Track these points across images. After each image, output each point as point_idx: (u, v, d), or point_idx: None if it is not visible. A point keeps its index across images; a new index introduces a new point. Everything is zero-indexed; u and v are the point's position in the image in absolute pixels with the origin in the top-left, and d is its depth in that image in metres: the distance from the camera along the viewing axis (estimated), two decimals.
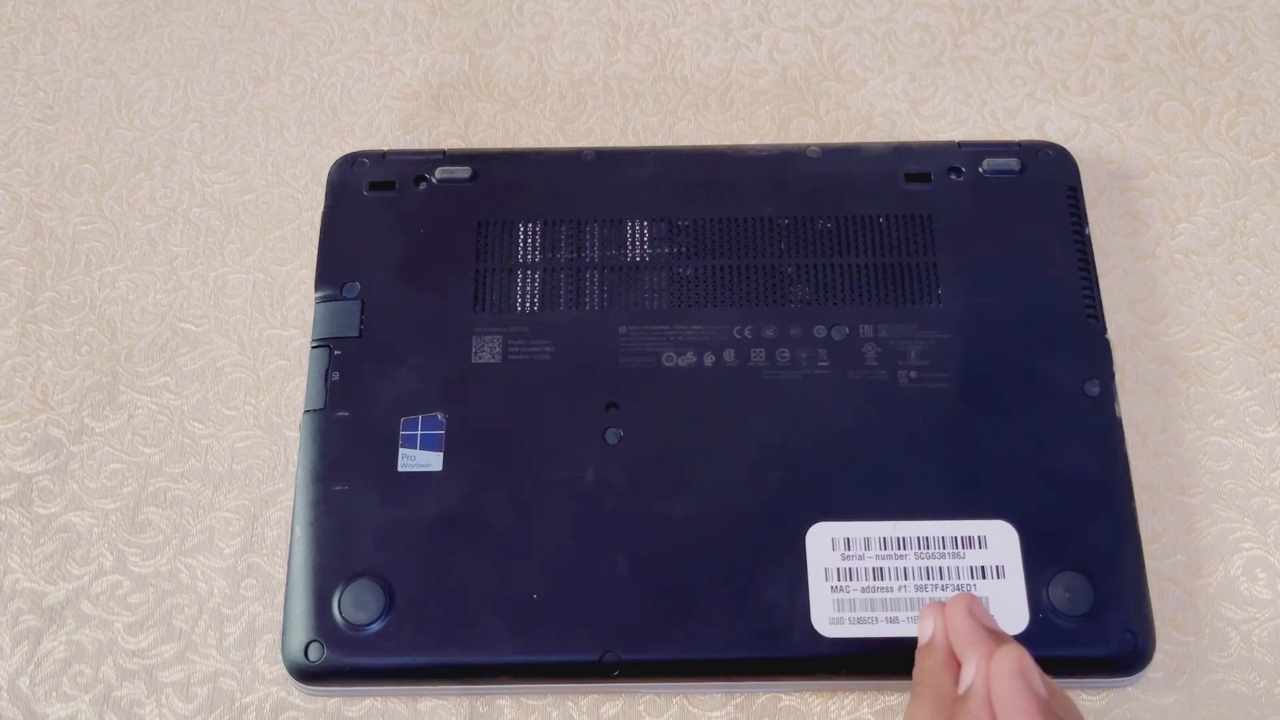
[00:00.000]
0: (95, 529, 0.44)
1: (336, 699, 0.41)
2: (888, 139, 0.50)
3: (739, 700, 0.41)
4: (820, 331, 0.43)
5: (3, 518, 0.44)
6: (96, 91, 0.52)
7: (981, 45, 0.52)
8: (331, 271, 0.44)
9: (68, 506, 0.44)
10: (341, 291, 0.44)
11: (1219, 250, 0.47)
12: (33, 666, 0.42)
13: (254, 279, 0.48)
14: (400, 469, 0.41)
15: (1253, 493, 0.43)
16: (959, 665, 0.33)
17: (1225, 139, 0.49)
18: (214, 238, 0.49)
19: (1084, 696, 0.40)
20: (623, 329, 0.43)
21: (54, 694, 0.42)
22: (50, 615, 0.43)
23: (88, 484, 0.45)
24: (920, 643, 0.35)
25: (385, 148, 0.50)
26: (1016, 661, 0.31)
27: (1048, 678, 0.32)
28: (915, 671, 0.34)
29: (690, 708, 0.41)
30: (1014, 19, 0.52)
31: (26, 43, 0.54)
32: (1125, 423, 0.44)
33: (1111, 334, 0.45)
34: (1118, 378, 0.45)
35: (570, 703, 0.41)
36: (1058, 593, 0.39)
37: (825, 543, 0.40)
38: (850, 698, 0.40)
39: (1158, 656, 0.40)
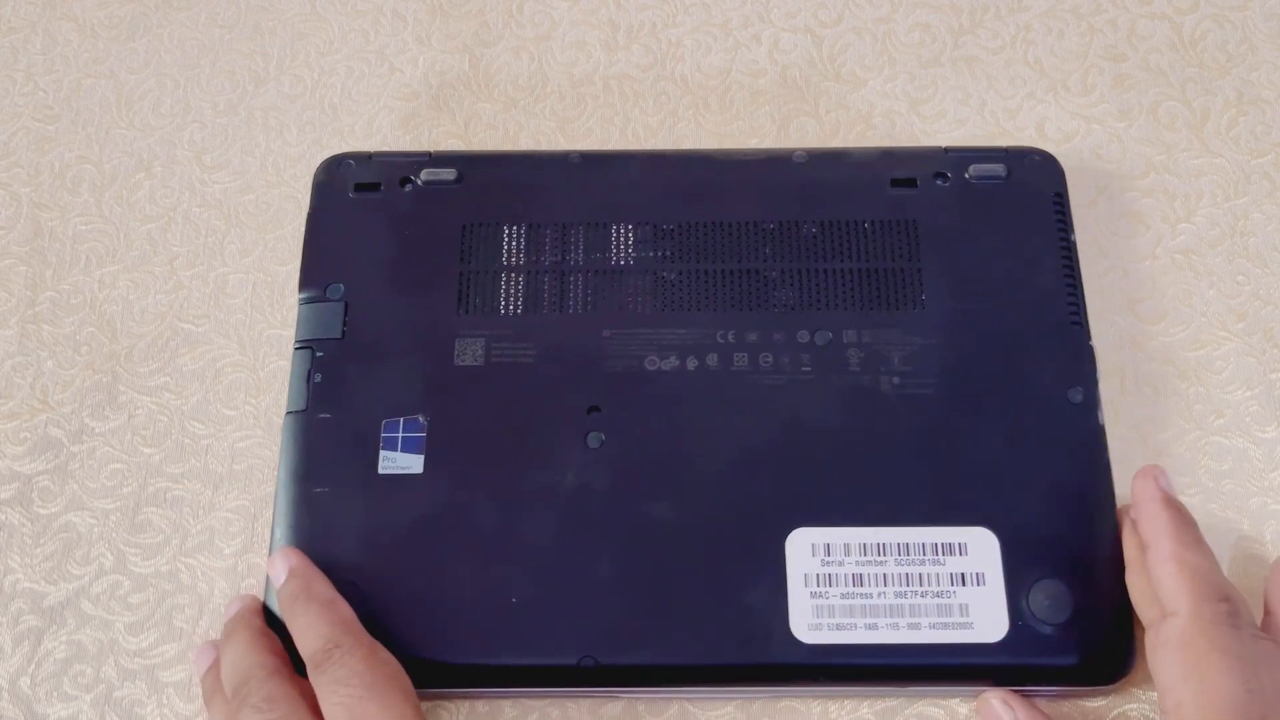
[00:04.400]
0: (95, 529, 0.44)
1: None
2: (888, 139, 0.50)
3: (738, 701, 0.41)
4: (804, 336, 0.42)
5: (3, 518, 0.44)
6: (96, 91, 0.52)
7: (981, 45, 0.52)
8: (315, 273, 0.44)
9: (68, 506, 0.44)
10: (325, 293, 0.44)
11: (1219, 250, 0.47)
12: (33, 666, 0.42)
13: (254, 279, 0.48)
14: (381, 471, 0.41)
15: (1252, 493, 0.43)
16: None
17: (1225, 139, 0.49)
18: (214, 238, 0.49)
19: (1082, 699, 0.40)
20: (606, 332, 0.43)
21: (55, 694, 0.42)
22: (50, 615, 0.43)
23: (88, 484, 0.45)
24: None
25: (385, 147, 0.50)
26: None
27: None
28: None
29: (690, 708, 0.41)
30: (1014, 19, 0.52)
31: (26, 43, 0.54)
32: (1125, 423, 0.44)
33: (1112, 334, 0.46)
34: (1118, 378, 0.45)
35: (571, 704, 0.41)
36: (1038, 600, 0.38)
37: (805, 548, 0.39)
38: (850, 700, 0.40)
39: None
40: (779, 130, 0.50)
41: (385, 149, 0.50)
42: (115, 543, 0.44)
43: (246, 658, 0.38)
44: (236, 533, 0.44)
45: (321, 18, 0.54)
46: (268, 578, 0.40)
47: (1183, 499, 0.43)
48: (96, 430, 0.46)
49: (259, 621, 0.39)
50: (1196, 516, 0.43)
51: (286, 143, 0.51)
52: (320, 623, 0.37)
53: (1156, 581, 0.36)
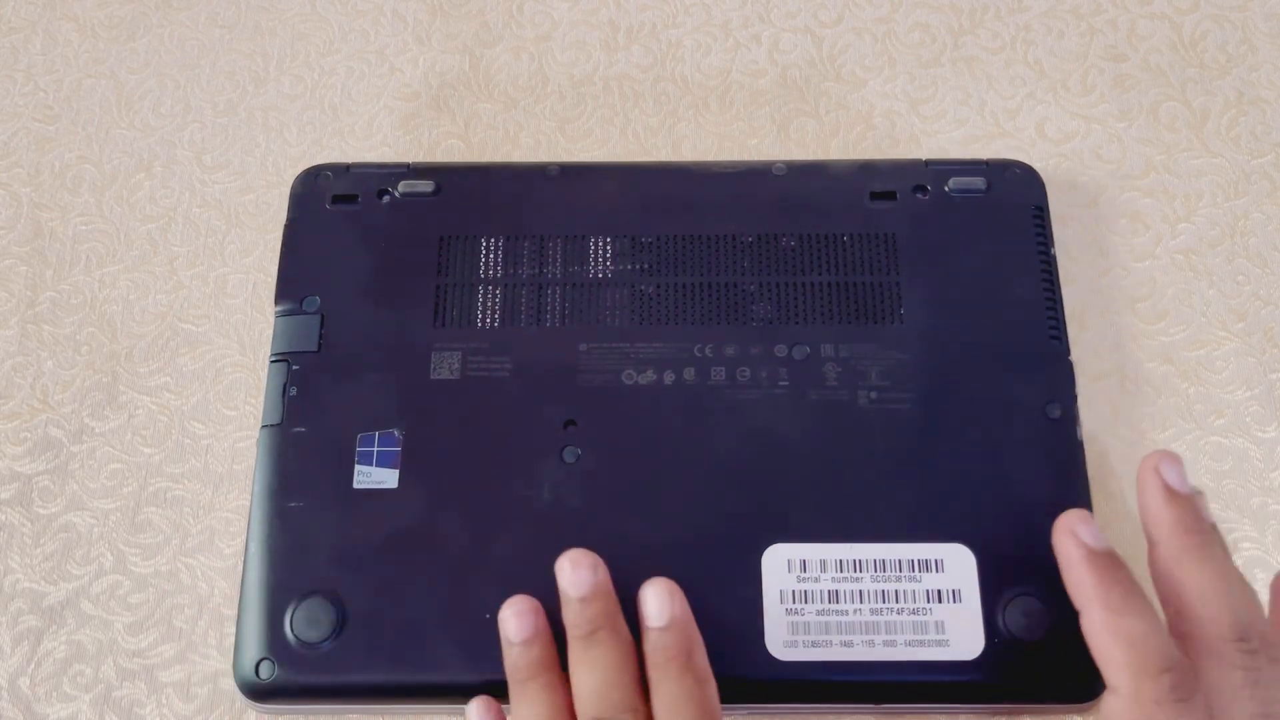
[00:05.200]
0: (95, 529, 0.44)
1: (287, 718, 0.41)
2: (888, 139, 0.50)
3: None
4: (781, 350, 0.42)
5: (3, 518, 0.44)
6: (96, 91, 0.52)
7: (981, 45, 0.52)
8: (292, 285, 0.44)
9: (68, 506, 0.44)
10: (301, 305, 0.44)
11: (1219, 250, 0.47)
12: (33, 666, 0.42)
13: (254, 279, 0.48)
14: (356, 486, 0.41)
15: (1252, 493, 0.43)
16: None
17: (1225, 139, 0.49)
18: (214, 238, 0.49)
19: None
20: (583, 346, 0.43)
21: (54, 694, 0.42)
22: (50, 615, 0.43)
23: (88, 484, 0.45)
24: None
25: (385, 147, 0.50)
26: None
27: None
28: None
29: None
30: (1014, 19, 0.52)
31: (26, 43, 0.54)
32: (1125, 423, 0.44)
33: (1111, 334, 0.46)
34: (1118, 378, 0.45)
35: None
36: (1014, 617, 0.38)
37: (781, 564, 0.39)
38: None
39: None
40: (779, 131, 0.50)
41: (385, 149, 0.50)
42: (115, 543, 0.44)
43: (622, 688, 0.34)
44: (236, 533, 0.44)
45: (321, 18, 0.54)
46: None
47: None
48: (96, 430, 0.46)
49: (627, 632, 0.35)
50: None
51: (286, 143, 0.51)
52: (693, 706, 0.34)
53: (1093, 650, 0.33)
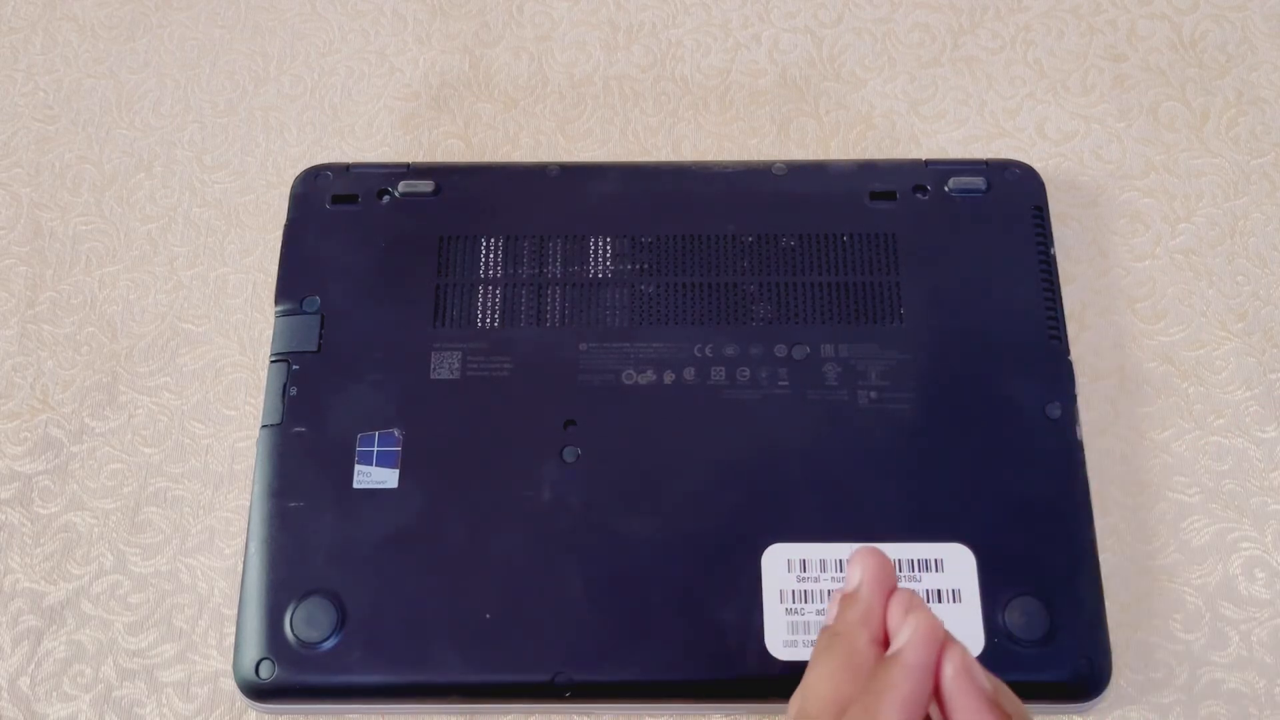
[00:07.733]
0: (95, 529, 0.44)
1: (287, 717, 0.41)
2: (888, 139, 0.50)
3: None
4: (781, 350, 0.42)
5: (3, 518, 0.44)
6: (96, 91, 0.52)
7: (981, 45, 0.52)
8: (292, 285, 0.44)
9: (68, 506, 0.44)
10: (301, 305, 0.44)
11: (1219, 250, 0.47)
12: (33, 666, 0.42)
13: (254, 279, 0.48)
14: (356, 485, 0.41)
15: (1252, 492, 0.43)
16: (880, 622, 0.31)
17: (1225, 139, 0.49)
18: (214, 238, 0.49)
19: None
20: (583, 346, 0.43)
21: (54, 694, 0.42)
22: (50, 615, 0.43)
23: (88, 484, 0.45)
24: (845, 589, 0.32)
25: (385, 147, 0.50)
26: (961, 658, 0.30)
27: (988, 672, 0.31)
28: (833, 622, 0.32)
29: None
30: (1014, 19, 0.52)
31: (26, 43, 0.54)
32: (1125, 422, 0.44)
33: (1112, 334, 0.46)
34: (1118, 377, 0.45)
35: None
36: (1013, 617, 0.38)
37: (781, 564, 0.39)
38: None
39: (1157, 655, 0.40)
40: (779, 131, 0.50)
41: (385, 149, 0.50)
42: (115, 543, 0.44)
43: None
44: (236, 533, 0.44)
45: (321, 18, 0.54)
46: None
47: (1181, 498, 0.43)
48: (96, 430, 0.46)
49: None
50: (1196, 516, 0.43)
51: (286, 143, 0.51)
52: None
53: None
